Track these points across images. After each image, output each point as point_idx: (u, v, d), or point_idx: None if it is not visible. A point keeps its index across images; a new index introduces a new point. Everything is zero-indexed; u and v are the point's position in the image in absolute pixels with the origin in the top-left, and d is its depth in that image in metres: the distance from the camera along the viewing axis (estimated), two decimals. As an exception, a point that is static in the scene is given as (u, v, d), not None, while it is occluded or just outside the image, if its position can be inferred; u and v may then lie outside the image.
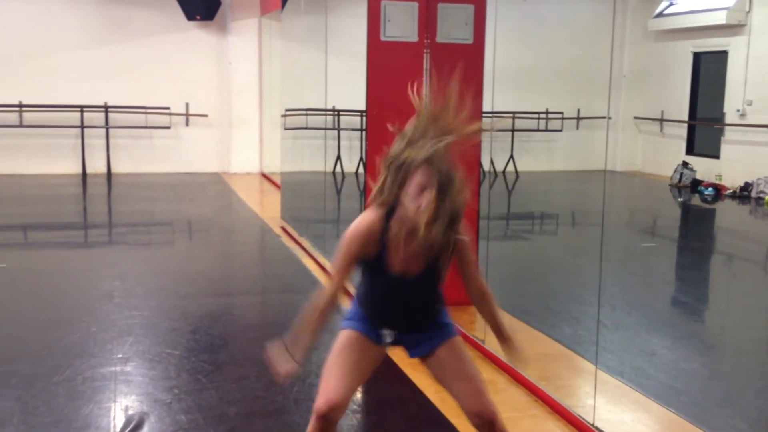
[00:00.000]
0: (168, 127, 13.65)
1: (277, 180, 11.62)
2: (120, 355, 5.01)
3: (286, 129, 11.16)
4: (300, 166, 10.67)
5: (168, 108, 13.58)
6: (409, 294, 2.87)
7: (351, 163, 13.05)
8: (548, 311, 6.26)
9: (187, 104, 13.74)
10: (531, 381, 4.39)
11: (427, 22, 5.64)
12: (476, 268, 2.96)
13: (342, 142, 13.37)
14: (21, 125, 12.99)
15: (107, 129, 13.40)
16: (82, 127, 13.21)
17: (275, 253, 8.11)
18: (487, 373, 4.59)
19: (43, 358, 4.87)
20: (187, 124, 13.85)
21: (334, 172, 12.83)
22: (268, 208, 10.32)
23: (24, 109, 12.96)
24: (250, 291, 6.89)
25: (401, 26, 5.70)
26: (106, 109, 13.34)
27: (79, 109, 13.13)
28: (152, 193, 12.05)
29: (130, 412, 4.09)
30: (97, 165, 13.48)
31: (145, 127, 13.51)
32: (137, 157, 13.69)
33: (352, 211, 10.74)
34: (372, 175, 5.63)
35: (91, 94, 13.23)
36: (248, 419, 4.05)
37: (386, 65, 5.67)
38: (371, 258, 2.80)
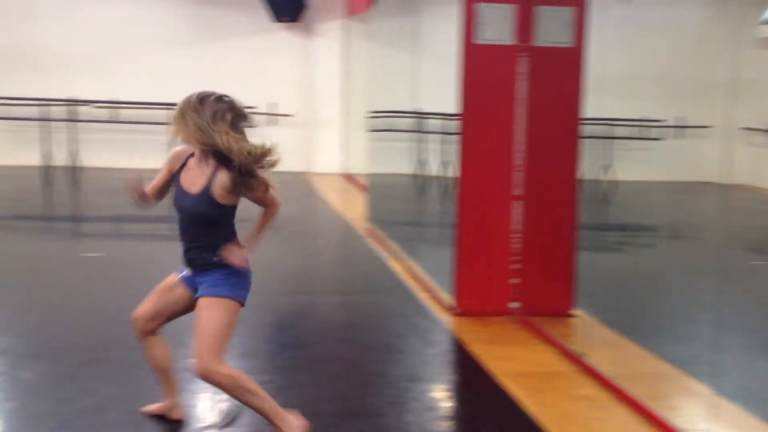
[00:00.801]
0: (254, 126, 13.81)
1: (361, 181, 11.66)
2: (214, 348, 5.10)
3: (371, 131, 11.21)
4: (385, 168, 10.69)
5: (254, 108, 13.78)
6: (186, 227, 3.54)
7: (436, 166, 13.02)
8: (655, 329, 5.93)
9: (272, 104, 13.92)
10: (638, 400, 4.19)
11: (524, 24, 5.57)
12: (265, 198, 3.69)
13: (427, 145, 13.34)
14: (115, 121, 13.38)
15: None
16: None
17: (361, 254, 8.14)
18: (590, 390, 4.47)
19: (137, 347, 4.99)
20: (272, 124, 14.05)
21: (419, 175, 12.82)
22: (351, 209, 10.37)
23: (118, 106, 13.35)
24: (336, 290, 6.93)
25: (496, 29, 5.63)
26: (195, 106, 13.60)
27: (167, 106, 13.40)
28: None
29: (228, 404, 4.14)
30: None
31: (232, 126, 13.73)
32: (223, 155, 13.93)
33: (439, 214, 10.72)
34: (465, 178, 5.59)
35: (179, 93, 13.45)
36: (342, 419, 4.06)
37: (480, 69, 5.61)
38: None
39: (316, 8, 13.84)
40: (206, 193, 3.45)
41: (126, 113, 13.43)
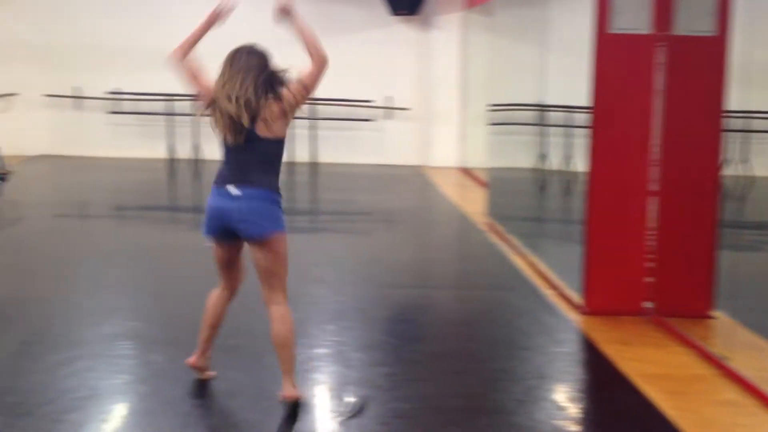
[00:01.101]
0: (371, 120, 13.93)
1: (479, 175, 11.51)
2: (336, 338, 5.10)
3: (490, 124, 11.03)
4: (504, 162, 10.49)
5: (371, 101, 13.85)
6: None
7: (558, 160, 12.70)
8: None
9: (389, 98, 13.94)
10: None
11: (663, 12, 5.30)
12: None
13: (548, 139, 13.04)
14: (236, 114, 13.70)
15: (313, 120, 13.87)
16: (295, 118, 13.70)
17: (481, 248, 8.00)
18: (733, 395, 4.24)
19: (265, 334, 5.03)
20: (388, 117, 14.07)
21: (539, 169, 12.54)
22: (470, 203, 10.24)
23: (239, 99, 13.66)
24: (456, 285, 6.84)
25: (632, 17, 5.39)
26: (313, 101, 13.79)
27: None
28: (355, 183, 12.34)
29: (352, 395, 4.12)
30: (302, 155, 13.99)
31: (350, 119, 13.86)
32: (341, 147, 14.09)
33: (562, 209, 10.46)
34: (597, 173, 5.37)
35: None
36: (469, 414, 3.96)
37: (614, 60, 5.39)
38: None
39: (434, 1, 13.75)
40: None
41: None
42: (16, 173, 11.20)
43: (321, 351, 4.81)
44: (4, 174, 10.98)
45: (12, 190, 10.44)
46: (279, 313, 3.88)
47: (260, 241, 3.81)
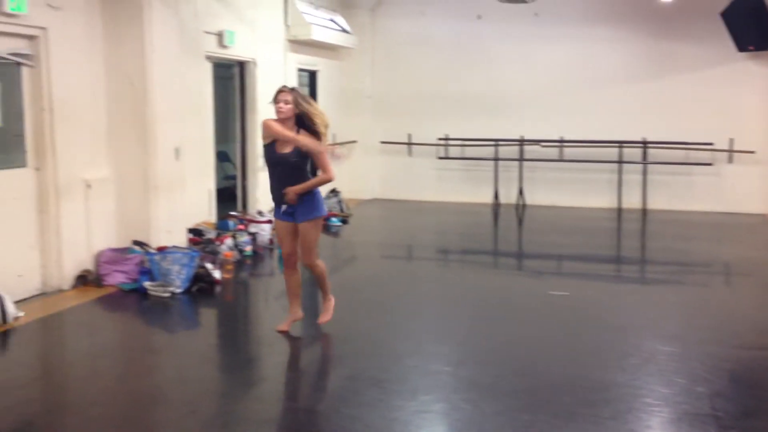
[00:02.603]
0: (710, 164, 12.85)
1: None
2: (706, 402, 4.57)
3: None
4: None
5: (711, 144, 12.79)
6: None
7: None
8: None
9: (731, 140, 12.78)
10: None
11: None
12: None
13: None
14: (562, 160, 13.43)
15: (645, 165, 13.14)
16: (620, 162, 13.14)
17: None
18: None
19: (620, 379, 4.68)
20: (730, 160, 12.88)
21: None
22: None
23: (565, 144, 13.39)
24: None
25: None
26: (645, 144, 13.09)
27: (617, 144, 13.10)
28: (689, 231, 11.40)
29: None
30: (631, 200, 13.30)
31: (685, 164, 12.91)
32: (674, 193, 13.16)
33: None
34: None
35: (629, 130, 13.12)
36: None
37: None
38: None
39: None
40: (296, 150, 5.66)
41: (570, 152, 13.40)
42: (353, 216, 11.96)
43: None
44: (345, 217, 11.79)
45: (348, 231, 11.14)
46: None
47: None
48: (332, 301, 6.19)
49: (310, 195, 5.77)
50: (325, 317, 6.12)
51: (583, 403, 4.62)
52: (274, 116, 5.75)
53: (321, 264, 6.00)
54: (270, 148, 5.73)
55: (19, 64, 6.79)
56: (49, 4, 6.87)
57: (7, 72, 6.75)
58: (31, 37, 6.84)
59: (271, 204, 6.05)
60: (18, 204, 6.84)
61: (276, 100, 5.71)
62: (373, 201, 14.14)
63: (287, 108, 5.66)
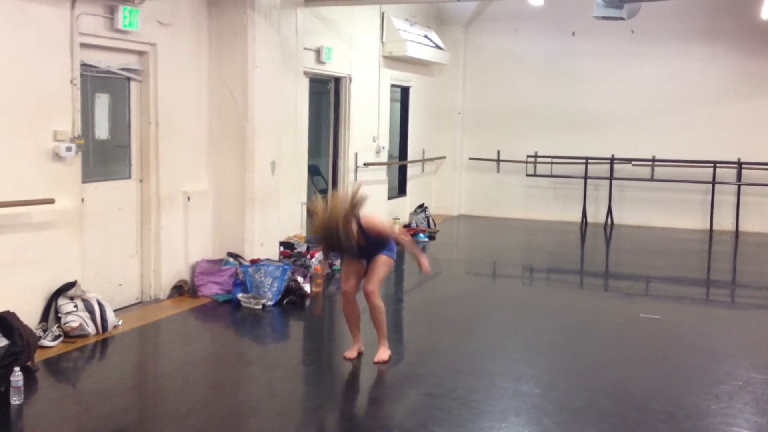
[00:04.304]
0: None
1: None
2: None
3: None
4: None
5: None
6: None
7: None
8: None
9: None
10: None
11: None
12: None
13: None
14: (653, 179, 13.20)
15: (739, 186, 12.79)
16: (714, 183, 12.83)
17: None
18: None
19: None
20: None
21: None
22: None
23: (656, 163, 13.15)
24: None
25: None
26: (740, 164, 12.74)
27: (711, 164, 12.80)
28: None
29: None
30: (724, 222, 12.96)
31: (782, 184, 12.55)
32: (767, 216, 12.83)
33: None
34: None
35: (724, 150, 12.81)
36: None
37: None
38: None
39: None
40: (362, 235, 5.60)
41: (662, 171, 13.15)
42: (440, 232, 12.01)
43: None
44: (433, 233, 11.85)
45: (434, 247, 11.19)
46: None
47: None
48: (387, 344, 5.88)
49: (386, 241, 5.74)
50: (383, 356, 5.80)
51: (676, 430, 4.57)
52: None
53: (381, 301, 5.80)
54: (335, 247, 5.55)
55: (128, 78, 7.13)
56: (159, 21, 7.19)
57: (117, 86, 7.10)
58: (141, 53, 7.18)
59: None
60: (121, 215, 7.16)
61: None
62: (460, 217, 14.16)
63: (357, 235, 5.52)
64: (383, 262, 5.75)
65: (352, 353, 5.86)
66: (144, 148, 7.32)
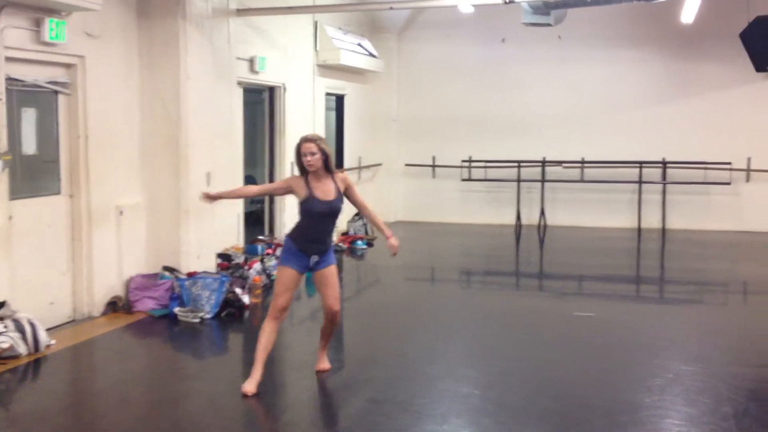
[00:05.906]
0: (728, 183, 12.90)
1: None
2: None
3: None
4: None
5: (729, 163, 12.84)
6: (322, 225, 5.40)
7: None
8: None
9: (749, 159, 12.83)
10: None
11: None
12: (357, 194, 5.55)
13: None
14: (583, 180, 13.51)
15: (664, 185, 13.19)
16: (640, 182, 13.20)
17: None
18: None
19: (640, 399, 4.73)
20: (748, 179, 12.92)
21: None
22: None
23: (586, 165, 13.47)
24: None
25: None
26: (664, 164, 13.15)
27: (638, 164, 13.17)
28: (708, 251, 11.45)
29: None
30: (651, 220, 13.35)
31: (703, 183, 12.97)
32: (692, 213, 13.22)
33: None
34: None
35: (649, 150, 13.20)
36: None
37: None
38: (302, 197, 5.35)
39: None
40: (339, 195, 5.38)
41: (591, 172, 13.48)
42: (377, 238, 12.06)
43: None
44: (370, 240, 11.90)
45: (372, 254, 11.25)
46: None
47: None
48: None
49: (331, 242, 5.54)
50: (326, 365, 5.78)
51: (613, 424, 4.72)
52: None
53: None
54: (311, 200, 5.28)
55: (56, 92, 7.00)
56: (87, 33, 7.07)
57: (44, 100, 6.95)
58: (69, 65, 7.04)
59: None
60: (51, 231, 7.00)
61: (302, 154, 5.31)
62: (397, 223, 14.24)
63: (315, 159, 5.26)
64: (335, 274, 5.50)
65: (251, 386, 5.27)
66: (74, 162, 7.18)
